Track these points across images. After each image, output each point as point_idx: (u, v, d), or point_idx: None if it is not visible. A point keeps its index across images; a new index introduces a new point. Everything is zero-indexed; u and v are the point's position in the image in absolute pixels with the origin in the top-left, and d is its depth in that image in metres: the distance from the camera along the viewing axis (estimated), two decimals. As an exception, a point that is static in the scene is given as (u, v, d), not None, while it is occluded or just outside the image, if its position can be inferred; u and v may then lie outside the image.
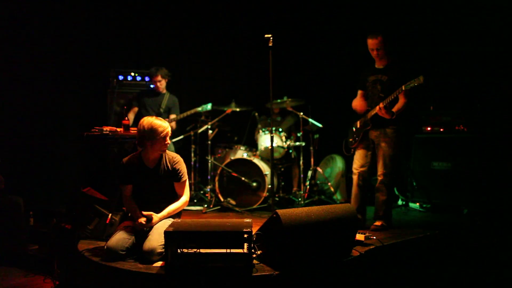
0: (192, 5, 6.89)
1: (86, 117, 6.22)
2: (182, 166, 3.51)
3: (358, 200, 4.45)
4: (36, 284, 3.85)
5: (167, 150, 3.53)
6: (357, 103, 4.61)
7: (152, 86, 6.00)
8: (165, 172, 3.45)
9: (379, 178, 4.29)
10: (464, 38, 5.79)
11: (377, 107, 4.15)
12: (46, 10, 6.11)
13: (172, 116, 5.71)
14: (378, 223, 4.23)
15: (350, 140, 4.60)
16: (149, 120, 3.40)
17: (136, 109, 5.76)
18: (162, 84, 5.63)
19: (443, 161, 5.33)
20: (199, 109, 5.66)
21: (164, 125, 3.40)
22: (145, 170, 3.46)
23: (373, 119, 4.30)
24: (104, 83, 6.25)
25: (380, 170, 4.29)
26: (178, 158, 3.53)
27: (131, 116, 5.59)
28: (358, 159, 4.47)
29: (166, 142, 3.42)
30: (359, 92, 4.63)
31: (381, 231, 4.07)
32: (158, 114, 5.46)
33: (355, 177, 4.48)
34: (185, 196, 3.53)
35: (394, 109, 4.13)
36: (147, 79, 6.23)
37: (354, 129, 4.59)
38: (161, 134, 3.37)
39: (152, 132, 3.35)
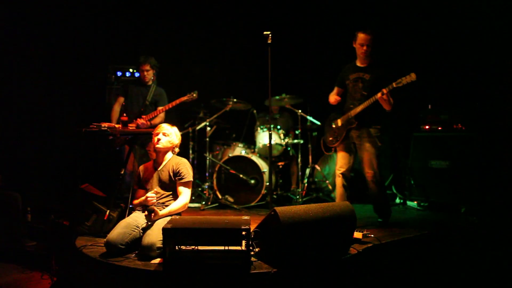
0: (191, 1, 6.87)
1: (84, 113, 6.21)
2: (185, 168, 3.61)
3: (344, 200, 4.44)
4: (34, 280, 3.84)
5: (176, 156, 3.74)
6: (332, 97, 4.60)
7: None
8: (169, 173, 3.60)
9: (369, 179, 4.28)
10: (462, 36, 5.79)
11: (378, 94, 4.07)
12: (44, 7, 6.09)
13: (160, 109, 5.36)
14: (380, 220, 4.35)
15: (330, 139, 4.56)
16: None
17: (122, 99, 5.39)
18: (149, 74, 5.32)
19: (441, 160, 5.33)
20: (185, 98, 5.16)
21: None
22: (153, 172, 3.69)
23: (357, 117, 4.28)
24: (102, 79, 6.23)
25: (368, 171, 4.26)
26: (183, 160, 3.68)
27: (116, 107, 5.34)
28: (341, 160, 4.46)
29: (153, 141, 3.69)
30: (336, 89, 4.62)
31: (385, 228, 4.16)
32: (144, 106, 5.26)
33: (339, 179, 4.45)
34: (185, 198, 3.56)
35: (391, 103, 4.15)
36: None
37: (333, 126, 4.54)
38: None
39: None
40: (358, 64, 4.43)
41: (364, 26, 4.32)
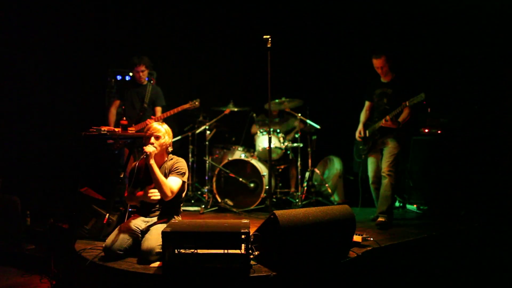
0: (192, 5, 6.89)
1: (84, 116, 6.22)
2: (183, 165, 3.51)
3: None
4: (33, 284, 3.84)
5: (175, 156, 3.60)
6: (363, 114, 4.94)
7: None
8: (165, 175, 3.45)
9: (384, 174, 4.52)
10: (462, 39, 5.81)
11: (383, 120, 4.45)
12: (44, 10, 6.10)
13: (158, 111, 5.31)
14: (382, 218, 4.41)
15: (361, 147, 4.91)
16: None
17: (118, 102, 5.37)
18: (144, 74, 5.26)
19: (440, 163, 5.33)
20: (187, 106, 5.15)
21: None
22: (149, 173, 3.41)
23: (380, 129, 4.60)
24: (102, 82, 6.23)
25: (384, 167, 4.53)
26: (180, 161, 3.56)
27: (113, 110, 5.32)
28: (372, 167, 4.79)
29: (146, 141, 3.45)
30: (367, 103, 4.92)
31: (385, 227, 4.30)
32: (142, 109, 5.24)
33: (373, 185, 4.80)
34: (174, 183, 3.40)
35: (400, 119, 4.45)
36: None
37: (362, 135, 4.86)
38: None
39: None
40: (382, 79, 4.73)
41: (375, 50, 4.62)
